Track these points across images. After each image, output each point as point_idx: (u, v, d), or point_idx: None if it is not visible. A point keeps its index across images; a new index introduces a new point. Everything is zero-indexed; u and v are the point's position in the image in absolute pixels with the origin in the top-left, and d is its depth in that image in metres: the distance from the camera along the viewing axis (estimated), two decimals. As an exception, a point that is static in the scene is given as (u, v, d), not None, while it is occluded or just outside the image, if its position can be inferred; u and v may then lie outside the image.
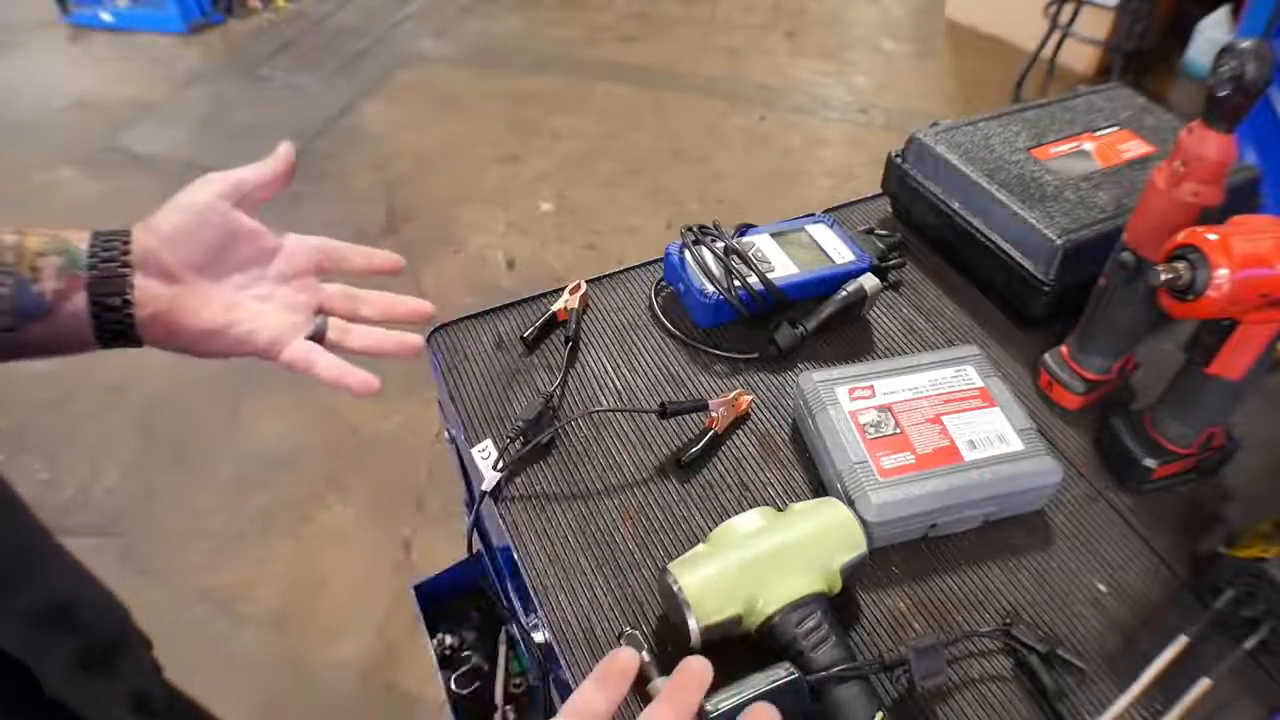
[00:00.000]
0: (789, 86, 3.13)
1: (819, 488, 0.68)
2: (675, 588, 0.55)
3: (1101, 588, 0.63)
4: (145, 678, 0.56)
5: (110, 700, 0.43)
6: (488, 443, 0.71)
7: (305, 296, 0.54)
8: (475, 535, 0.87)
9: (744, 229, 0.85)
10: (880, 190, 0.95)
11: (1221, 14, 2.99)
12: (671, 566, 0.56)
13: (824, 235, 0.84)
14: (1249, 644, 0.58)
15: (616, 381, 0.76)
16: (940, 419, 0.66)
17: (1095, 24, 2.86)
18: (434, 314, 0.56)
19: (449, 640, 1.15)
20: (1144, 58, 2.92)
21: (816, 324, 0.78)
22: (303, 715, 1.52)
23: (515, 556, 0.64)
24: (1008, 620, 0.60)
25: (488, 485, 0.67)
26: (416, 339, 0.54)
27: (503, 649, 1.15)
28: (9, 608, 0.40)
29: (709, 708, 0.44)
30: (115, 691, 0.46)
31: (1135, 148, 0.86)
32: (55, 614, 0.45)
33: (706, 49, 3.34)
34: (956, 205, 0.85)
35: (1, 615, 0.38)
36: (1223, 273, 0.54)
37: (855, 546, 0.58)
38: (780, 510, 0.61)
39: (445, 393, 0.76)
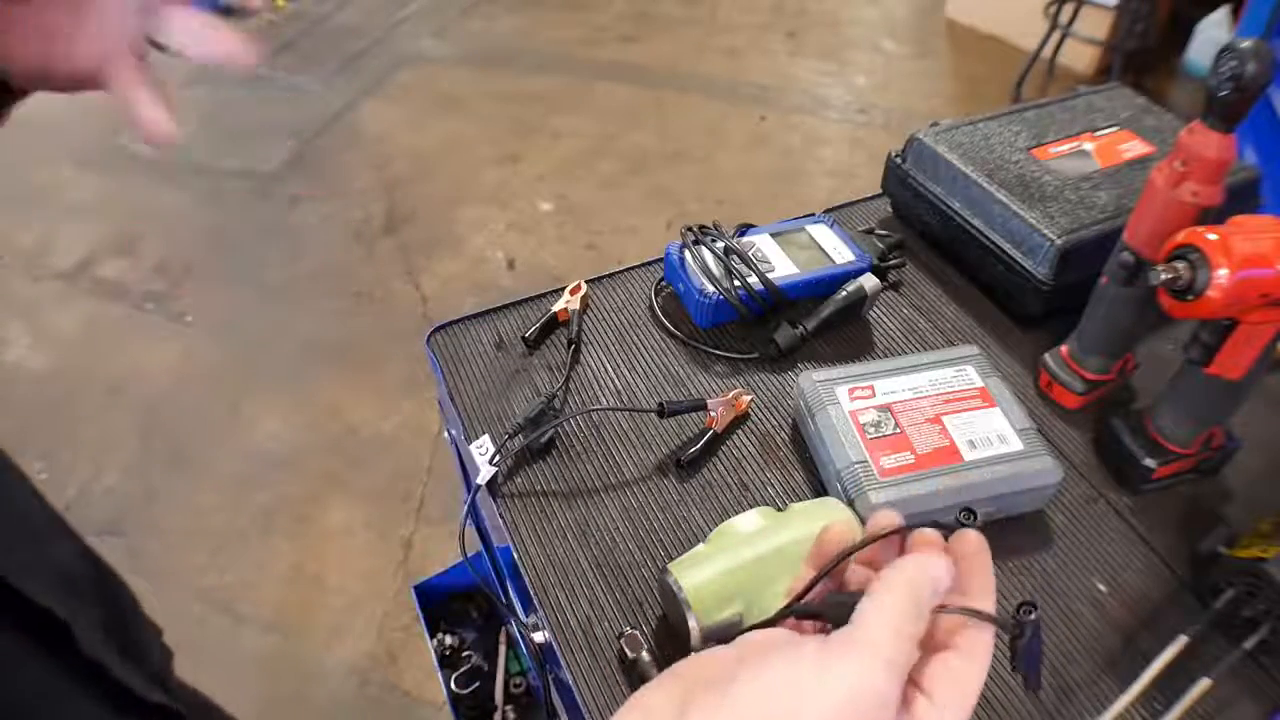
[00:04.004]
0: (789, 86, 3.12)
1: (819, 488, 0.68)
2: (675, 588, 0.55)
3: (1101, 588, 0.63)
4: (159, 653, 0.57)
5: (133, 666, 0.44)
6: (485, 439, 0.71)
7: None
8: (474, 535, 0.87)
9: (744, 229, 0.85)
10: (880, 190, 0.95)
11: (1221, 14, 2.99)
12: (671, 566, 0.56)
13: (824, 235, 0.84)
14: (1249, 644, 0.58)
15: (616, 381, 0.76)
16: (940, 419, 0.66)
17: (1095, 24, 2.86)
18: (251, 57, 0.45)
19: (449, 640, 1.15)
20: (1144, 58, 2.92)
21: (816, 324, 0.78)
22: (303, 715, 1.52)
23: (515, 556, 0.64)
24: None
25: (483, 479, 0.67)
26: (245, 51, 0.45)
27: (503, 649, 1.15)
28: (45, 567, 0.41)
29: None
30: (137, 659, 0.47)
31: (1135, 148, 0.86)
32: (81, 580, 0.46)
33: (706, 49, 3.33)
34: (956, 205, 0.85)
35: (39, 573, 0.39)
36: (1223, 273, 0.54)
37: (855, 546, 0.58)
38: (780, 510, 0.61)
39: (445, 393, 0.76)
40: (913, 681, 0.32)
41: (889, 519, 0.35)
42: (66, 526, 0.47)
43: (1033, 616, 0.33)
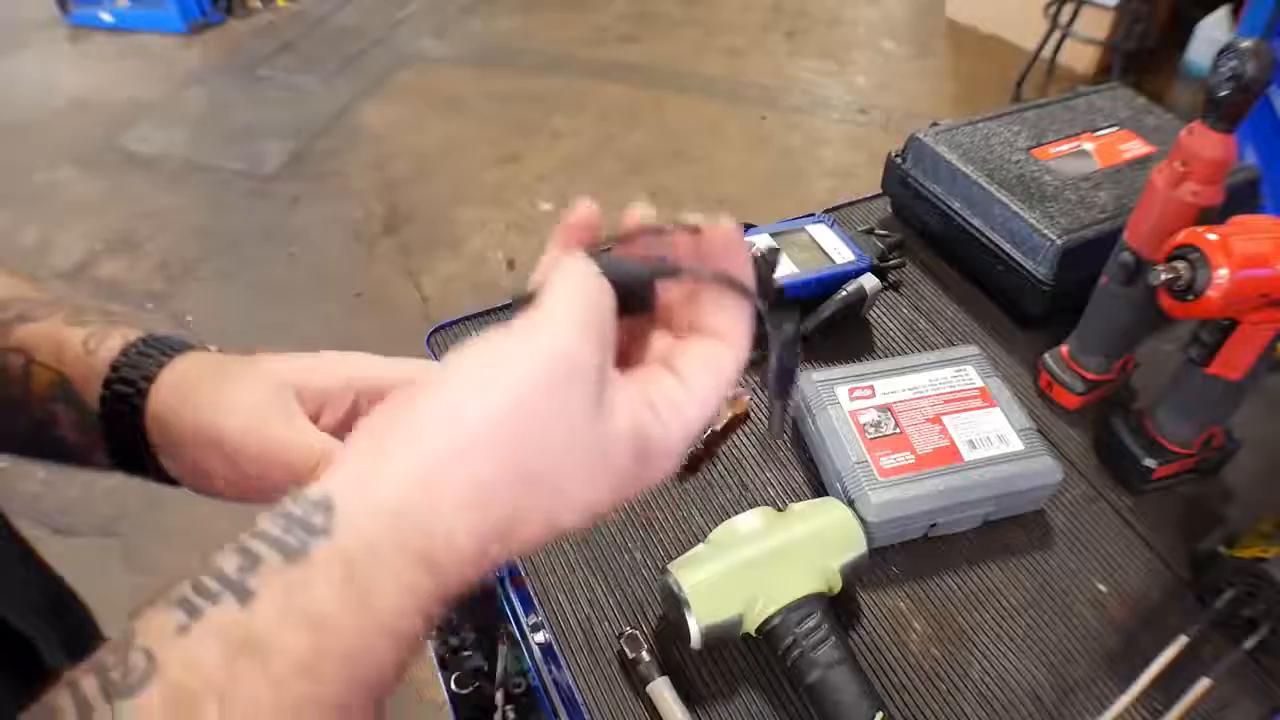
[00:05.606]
0: (789, 86, 3.12)
1: (819, 488, 0.68)
2: (675, 588, 0.55)
3: (1101, 588, 0.63)
4: None
5: None
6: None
7: None
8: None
9: (744, 229, 0.85)
10: (880, 190, 0.95)
11: (1221, 14, 2.98)
12: (672, 567, 0.56)
13: (824, 235, 0.84)
14: (1249, 644, 0.58)
15: (616, 381, 0.76)
16: (940, 419, 0.66)
17: (1095, 24, 2.86)
18: None
19: (449, 640, 1.15)
20: (1144, 58, 2.91)
21: (816, 324, 0.78)
22: (303, 715, 1.52)
23: (515, 556, 0.64)
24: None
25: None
26: None
27: (503, 649, 1.15)
28: (20, 596, 0.42)
29: None
30: None
31: (1135, 148, 0.86)
32: (49, 605, 0.47)
33: (706, 49, 3.33)
34: (956, 205, 0.85)
35: (13, 601, 0.40)
36: (1223, 273, 0.54)
37: (855, 546, 0.58)
38: (780, 510, 0.61)
39: (445, 393, 0.76)
40: (662, 362, 0.31)
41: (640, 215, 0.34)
42: (25, 543, 0.48)
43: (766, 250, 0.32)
